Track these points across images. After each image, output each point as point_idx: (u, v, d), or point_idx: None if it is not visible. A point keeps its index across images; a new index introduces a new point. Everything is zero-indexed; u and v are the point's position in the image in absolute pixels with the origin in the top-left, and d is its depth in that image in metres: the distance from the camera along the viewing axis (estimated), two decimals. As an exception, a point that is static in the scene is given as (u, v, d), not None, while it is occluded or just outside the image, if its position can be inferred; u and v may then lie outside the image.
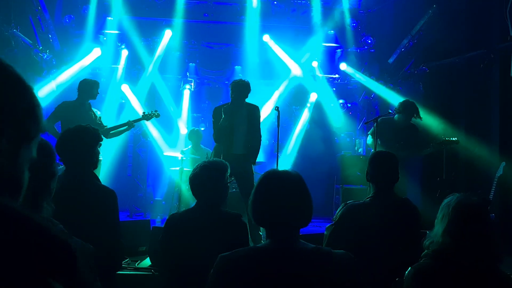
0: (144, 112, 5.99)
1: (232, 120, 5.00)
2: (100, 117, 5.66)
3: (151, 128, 8.38)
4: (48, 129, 5.24)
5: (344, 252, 1.66)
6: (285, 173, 1.73)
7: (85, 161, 2.69)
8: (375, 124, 5.42)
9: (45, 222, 0.69)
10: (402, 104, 5.45)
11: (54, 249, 0.67)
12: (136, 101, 8.38)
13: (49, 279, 0.65)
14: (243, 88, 5.03)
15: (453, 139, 5.45)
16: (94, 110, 5.64)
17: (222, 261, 1.59)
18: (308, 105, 8.86)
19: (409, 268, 1.91)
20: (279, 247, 1.63)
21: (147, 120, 6.05)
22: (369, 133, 5.70)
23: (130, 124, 5.69)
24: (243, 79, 5.22)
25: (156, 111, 5.98)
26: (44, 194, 1.64)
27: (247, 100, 5.14)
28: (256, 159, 5.23)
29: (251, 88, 5.13)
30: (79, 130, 2.70)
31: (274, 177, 1.71)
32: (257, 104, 5.29)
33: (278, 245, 1.63)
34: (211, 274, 1.60)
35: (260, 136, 5.22)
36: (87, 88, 5.49)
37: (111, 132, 5.62)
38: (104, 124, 5.64)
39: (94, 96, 5.57)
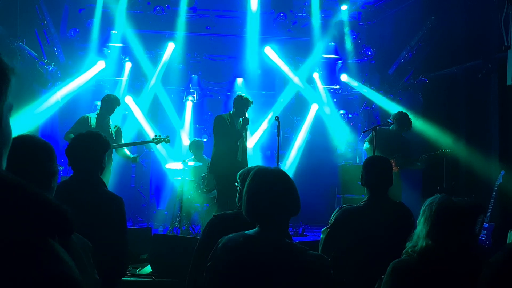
0: (155, 136, 6.11)
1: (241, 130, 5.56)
2: (116, 130, 5.89)
3: (154, 139, 8.46)
4: (66, 139, 5.56)
5: (319, 254, 1.73)
6: (274, 170, 1.80)
7: (93, 166, 2.69)
8: (373, 132, 5.53)
9: (37, 188, 0.75)
10: (395, 116, 5.67)
11: (46, 210, 0.73)
12: (139, 113, 8.49)
13: (49, 239, 0.71)
14: (249, 104, 5.58)
15: (449, 151, 5.59)
16: (113, 125, 5.88)
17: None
18: (309, 115, 8.94)
19: (390, 264, 1.95)
20: (266, 239, 1.70)
21: (157, 144, 6.23)
22: (366, 140, 5.84)
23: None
24: (247, 95, 5.65)
25: (167, 136, 6.12)
26: (47, 193, 1.69)
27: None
28: None
29: (253, 99, 5.67)
30: (89, 136, 2.73)
31: (265, 174, 1.79)
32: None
33: (266, 236, 1.71)
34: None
35: None
36: (107, 104, 5.83)
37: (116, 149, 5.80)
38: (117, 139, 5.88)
39: (110, 113, 5.85)
